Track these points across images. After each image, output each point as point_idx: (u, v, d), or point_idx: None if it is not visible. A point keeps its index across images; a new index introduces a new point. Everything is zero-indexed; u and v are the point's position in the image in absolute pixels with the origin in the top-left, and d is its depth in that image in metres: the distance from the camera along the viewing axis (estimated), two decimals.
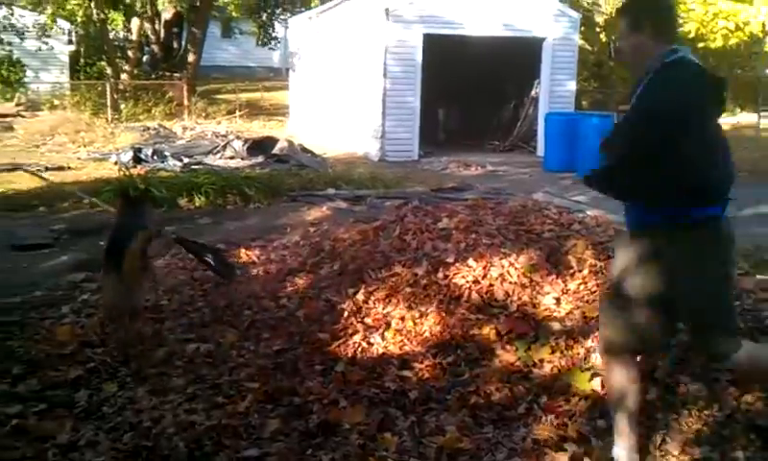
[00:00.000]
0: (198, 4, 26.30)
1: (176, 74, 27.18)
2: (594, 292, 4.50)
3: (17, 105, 22.58)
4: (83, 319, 5.36)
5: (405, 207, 6.57)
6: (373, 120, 16.21)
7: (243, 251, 6.73)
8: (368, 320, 4.71)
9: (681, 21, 3.25)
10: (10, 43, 20.89)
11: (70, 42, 27.50)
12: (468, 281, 4.76)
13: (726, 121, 25.10)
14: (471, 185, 11.35)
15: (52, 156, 15.64)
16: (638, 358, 3.31)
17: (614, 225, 5.63)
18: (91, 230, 8.08)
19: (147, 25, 29.02)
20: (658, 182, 2.95)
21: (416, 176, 13.48)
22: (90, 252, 7.09)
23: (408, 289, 4.83)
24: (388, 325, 4.60)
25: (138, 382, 4.25)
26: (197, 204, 10.09)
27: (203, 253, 5.84)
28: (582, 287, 4.60)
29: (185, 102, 23.53)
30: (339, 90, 18.12)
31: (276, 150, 14.98)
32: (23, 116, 21.35)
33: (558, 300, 4.51)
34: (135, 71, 27.53)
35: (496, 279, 4.74)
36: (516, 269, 4.80)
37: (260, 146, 15.37)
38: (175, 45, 30.71)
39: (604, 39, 26.30)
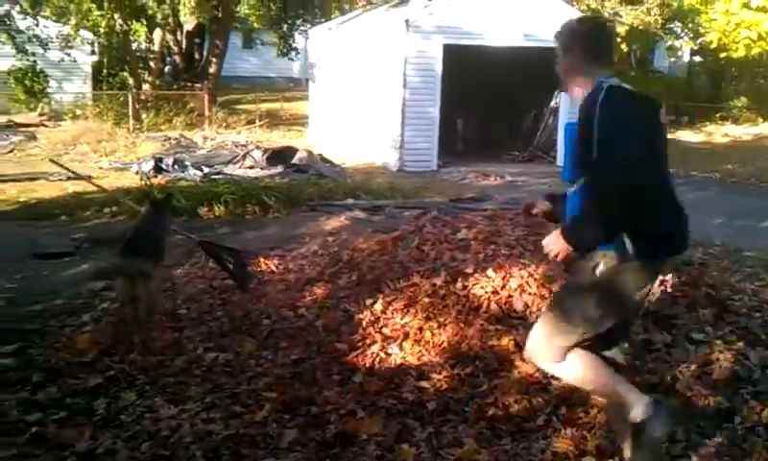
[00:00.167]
0: (220, 15, 26.47)
1: (197, 84, 27.34)
2: None
3: (40, 114, 22.81)
4: (102, 327, 5.39)
5: (424, 218, 6.57)
6: (393, 130, 16.22)
7: (262, 260, 6.74)
8: (386, 330, 4.70)
9: (614, 49, 3.23)
10: (33, 54, 21.16)
11: (93, 53, 27.78)
12: (486, 292, 4.75)
13: (748, 131, 24.95)
14: (490, 196, 11.33)
15: (74, 165, 15.76)
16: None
17: None
18: (112, 239, 8.11)
19: (169, 36, 29.24)
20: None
21: (434, 186, 13.46)
22: (111, 261, 7.13)
23: (426, 299, 4.83)
24: (406, 335, 4.59)
25: (157, 391, 4.27)
26: (216, 213, 10.13)
27: (223, 256, 5.88)
28: None
29: (206, 112, 23.66)
30: (358, 101, 18.15)
31: (295, 160, 15.02)
32: (46, 126, 21.57)
33: None
34: (157, 82, 27.73)
35: (515, 289, 4.73)
36: (535, 280, 4.78)
37: (280, 156, 15.42)
38: (196, 56, 30.93)
39: (625, 49, 26.24)
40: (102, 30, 24.02)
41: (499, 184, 14.25)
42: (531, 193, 12.35)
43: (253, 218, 10.12)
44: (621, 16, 22.26)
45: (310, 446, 3.61)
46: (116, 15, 23.49)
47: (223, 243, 6.55)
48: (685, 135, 24.17)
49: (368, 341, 4.63)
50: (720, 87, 31.24)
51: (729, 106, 28.41)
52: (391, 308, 4.88)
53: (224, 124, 23.51)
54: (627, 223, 2.85)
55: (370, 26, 18.60)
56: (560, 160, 16.11)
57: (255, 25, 32.88)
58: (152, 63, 28.56)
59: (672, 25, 27.88)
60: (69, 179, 13.38)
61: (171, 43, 29.97)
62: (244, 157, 15.65)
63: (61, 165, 8.53)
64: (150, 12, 23.02)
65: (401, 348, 4.49)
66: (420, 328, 4.60)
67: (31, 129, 20.78)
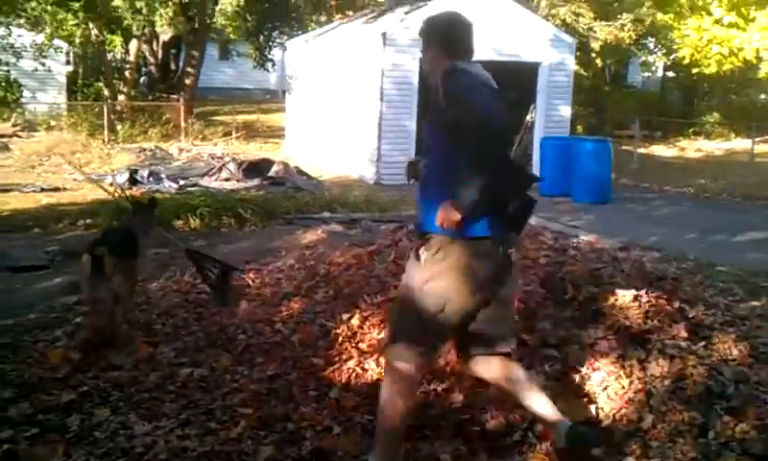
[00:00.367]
0: (196, 26, 26.40)
1: (173, 95, 27.23)
2: (589, 319, 4.49)
3: (14, 125, 22.60)
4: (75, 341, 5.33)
5: (400, 231, 6.56)
6: (369, 143, 16.25)
7: (237, 274, 6.71)
8: (362, 345, 4.69)
9: (471, 40, 3.33)
10: (7, 63, 20.93)
11: (68, 63, 27.57)
12: None
13: (720, 146, 25.31)
14: None
15: (48, 176, 15.63)
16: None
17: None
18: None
19: (145, 47, 29.11)
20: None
21: (411, 199, 13.37)
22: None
23: None
24: (383, 350, 4.58)
25: (131, 407, 4.22)
26: (192, 225, 10.07)
27: (207, 266, 5.87)
28: (577, 314, 4.60)
29: (182, 123, 23.57)
30: (335, 113, 18.17)
31: (271, 172, 15.00)
32: (19, 136, 21.37)
33: (553, 326, 4.50)
34: (133, 92, 27.59)
35: None
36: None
37: (256, 168, 15.38)
38: (172, 67, 30.80)
39: (599, 64, 26.51)
40: (77, 40, 23.87)
41: None
42: None
43: (229, 231, 10.08)
44: (595, 32, 22.46)
45: None
46: (91, 25, 23.35)
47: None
48: (659, 150, 24.49)
49: (344, 356, 4.62)
50: (693, 103, 31.68)
51: (701, 121, 28.80)
52: (368, 323, 4.87)
53: (200, 136, 23.44)
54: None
55: (347, 39, 18.65)
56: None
57: (232, 36, 32.83)
58: (127, 74, 28.42)
59: (645, 41, 28.24)
60: (43, 190, 13.30)
61: (147, 54, 29.85)
62: (220, 169, 15.59)
63: (77, 168, 8.46)
64: (126, 22, 22.88)
65: (378, 363, 4.48)
66: None
67: (4, 139, 20.59)
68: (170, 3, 21.14)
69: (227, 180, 14.95)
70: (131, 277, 5.41)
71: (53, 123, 22.99)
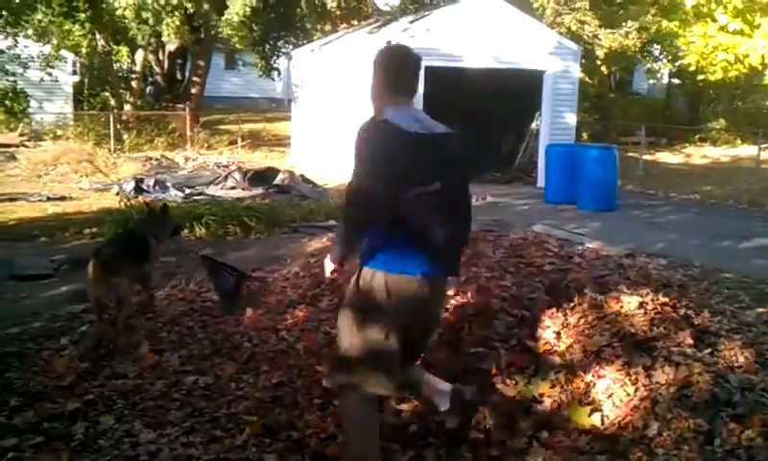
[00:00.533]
0: (202, 36, 26.50)
1: (179, 105, 27.31)
2: (595, 326, 4.48)
3: (21, 135, 22.69)
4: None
5: None
6: None
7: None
8: None
9: (412, 78, 3.32)
10: (14, 74, 21.07)
11: (74, 73, 27.68)
12: (468, 314, 4.74)
13: (726, 153, 25.25)
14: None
15: (54, 185, 15.68)
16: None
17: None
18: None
19: (151, 56, 29.22)
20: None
21: None
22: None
23: None
24: None
25: (136, 415, 4.23)
26: (198, 234, 10.08)
27: (225, 272, 5.92)
28: (582, 321, 4.58)
29: (188, 132, 23.64)
30: (341, 121, 18.17)
31: (277, 180, 15.01)
32: (26, 146, 21.45)
33: (558, 333, 4.49)
34: (139, 102, 27.68)
35: (497, 312, 4.73)
36: (516, 302, 4.78)
37: (261, 177, 15.41)
38: (179, 76, 30.91)
39: (605, 71, 26.51)
40: (83, 50, 23.98)
41: (481, 205, 14.28)
42: (513, 214, 12.43)
43: (235, 239, 10.09)
44: (600, 39, 22.45)
45: None
46: (98, 36, 23.46)
47: (203, 267, 6.53)
48: (664, 157, 24.45)
49: None
50: (698, 109, 31.66)
51: (707, 127, 28.76)
52: None
53: (205, 145, 23.49)
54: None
55: (351, 48, 18.69)
56: (540, 182, 16.27)
57: (238, 46, 32.93)
58: (133, 84, 28.51)
59: (651, 48, 28.23)
60: (49, 199, 13.33)
61: (153, 64, 29.95)
62: (226, 177, 15.62)
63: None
64: (131, 33, 22.98)
65: None
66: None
67: (11, 149, 20.66)
68: (176, 13, 21.20)
69: (232, 188, 14.98)
70: (135, 281, 5.45)
71: (59, 132, 23.09)
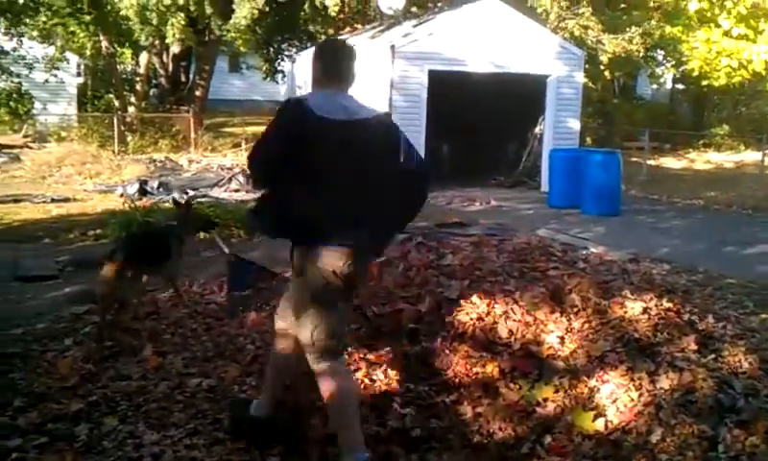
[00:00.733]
0: (206, 39, 26.54)
1: (183, 107, 27.36)
2: (598, 331, 4.48)
3: (25, 136, 22.74)
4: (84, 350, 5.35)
5: (409, 243, 6.56)
6: None
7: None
8: (370, 356, 4.69)
9: (340, 68, 3.39)
10: (18, 75, 21.13)
11: (78, 75, 27.73)
12: (471, 319, 4.75)
13: (730, 158, 25.22)
14: (476, 221, 11.35)
15: (58, 187, 15.72)
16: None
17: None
18: (95, 263, 8.08)
19: (155, 59, 29.27)
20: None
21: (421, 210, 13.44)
22: (94, 284, 7.11)
23: (411, 326, 4.82)
24: (391, 361, 4.58)
25: (139, 417, 4.23)
26: (201, 236, 10.08)
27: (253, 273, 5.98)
28: (586, 326, 4.58)
29: (192, 135, 23.67)
30: None
31: None
32: (30, 147, 21.50)
33: (562, 338, 4.49)
34: (143, 104, 27.73)
35: (500, 316, 4.73)
36: (519, 307, 4.78)
37: None
38: (183, 79, 30.94)
39: (608, 77, 26.49)
40: (88, 52, 24.04)
41: (485, 209, 14.31)
42: (517, 218, 12.44)
43: (239, 241, 10.08)
44: (604, 44, 22.43)
45: None
46: (102, 38, 23.50)
47: (207, 269, 6.55)
48: (668, 162, 24.44)
49: (352, 367, 4.61)
50: (702, 115, 31.63)
51: (711, 133, 28.74)
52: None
53: (209, 147, 23.54)
54: None
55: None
56: (544, 186, 16.26)
57: (242, 49, 32.99)
58: (137, 86, 28.57)
59: (654, 53, 28.21)
60: (53, 201, 13.36)
61: (157, 66, 30.00)
62: (229, 180, 15.66)
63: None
64: (135, 35, 23.02)
65: (386, 374, 4.48)
66: (405, 355, 4.59)
67: (15, 150, 20.72)
68: (180, 14, 21.22)
69: (236, 190, 15.01)
70: (161, 279, 5.49)
71: (63, 134, 23.15)
